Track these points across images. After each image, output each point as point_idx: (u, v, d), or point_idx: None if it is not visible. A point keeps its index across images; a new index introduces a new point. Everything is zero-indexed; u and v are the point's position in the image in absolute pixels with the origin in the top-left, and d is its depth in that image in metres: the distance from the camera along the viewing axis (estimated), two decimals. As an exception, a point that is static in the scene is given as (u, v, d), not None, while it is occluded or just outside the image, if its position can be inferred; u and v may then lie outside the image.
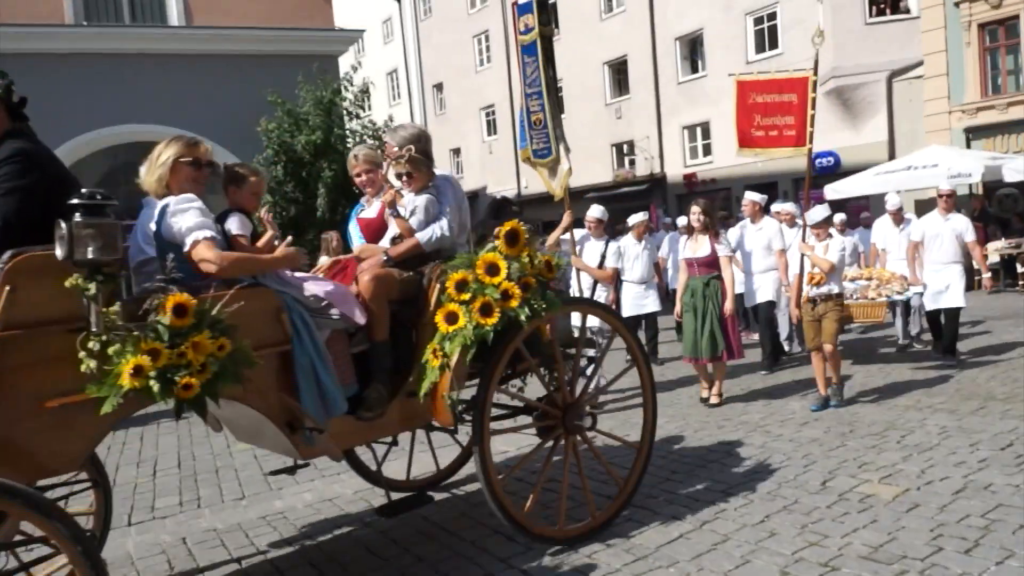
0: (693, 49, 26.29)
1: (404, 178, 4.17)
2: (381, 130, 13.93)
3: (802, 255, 7.01)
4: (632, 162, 28.85)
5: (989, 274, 8.24)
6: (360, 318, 3.68)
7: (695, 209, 7.21)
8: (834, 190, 16.82)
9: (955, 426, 5.78)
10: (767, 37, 23.56)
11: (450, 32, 34.28)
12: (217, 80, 13.45)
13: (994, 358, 8.25)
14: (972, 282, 14.03)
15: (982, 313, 11.49)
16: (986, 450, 5.14)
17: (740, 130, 7.85)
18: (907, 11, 20.71)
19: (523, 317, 3.73)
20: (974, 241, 8.09)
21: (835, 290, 6.67)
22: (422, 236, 4.06)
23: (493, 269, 3.75)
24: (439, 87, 35.82)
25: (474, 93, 33.36)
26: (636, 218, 9.23)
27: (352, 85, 13.82)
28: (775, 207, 9.50)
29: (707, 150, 25.54)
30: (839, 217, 10.78)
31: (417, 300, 3.97)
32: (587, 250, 7.78)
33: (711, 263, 7.05)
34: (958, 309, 8.13)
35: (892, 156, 19.52)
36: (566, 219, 7.41)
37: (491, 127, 33.56)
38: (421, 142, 4.21)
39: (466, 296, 3.72)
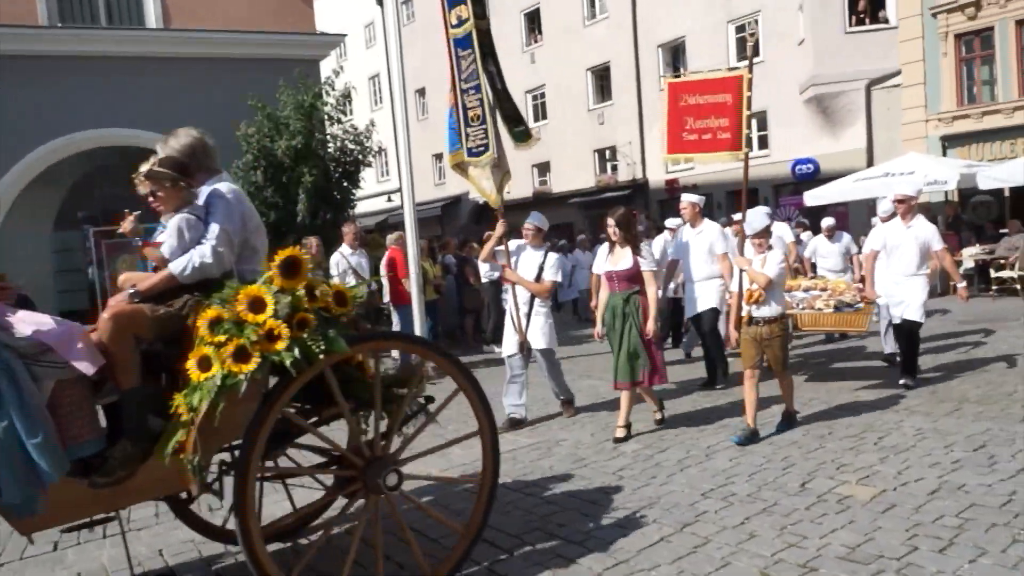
0: (676, 56, 26.50)
1: (151, 198, 3.62)
2: (363, 135, 13.85)
3: (740, 270, 6.42)
4: (615, 167, 29.00)
5: (964, 283, 7.60)
6: (87, 364, 3.08)
7: (609, 222, 6.47)
8: (813, 196, 17.21)
9: (930, 428, 5.86)
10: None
11: (433, 38, 34.17)
12: (195, 83, 13.29)
13: (968, 362, 8.35)
14: (947, 287, 14.22)
15: (956, 318, 11.62)
16: (960, 451, 5.21)
17: (670, 135, 7.23)
18: (886, 21, 20.99)
19: (289, 362, 3.11)
20: (943, 249, 7.42)
21: (777, 310, 6.06)
22: (175, 267, 3.45)
23: (257, 305, 3.13)
24: (422, 92, 35.79)
25: (456, 99, 33.38)
26: None
27: (334, 89, 13.75)
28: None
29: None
30: (827, 222, 10.71)
31: (181, 340, 3.35)
32: (523, 261, 7.09)
33: (632, 277, 6.35)
34: (917, 324, 7.42)
35: (871, 163, 19.76)
36: (499, 228, 7.01)
37: (473, 133, 33.52)
38: (184, 153, 3.73)
39: (220, 338, 3.10)
